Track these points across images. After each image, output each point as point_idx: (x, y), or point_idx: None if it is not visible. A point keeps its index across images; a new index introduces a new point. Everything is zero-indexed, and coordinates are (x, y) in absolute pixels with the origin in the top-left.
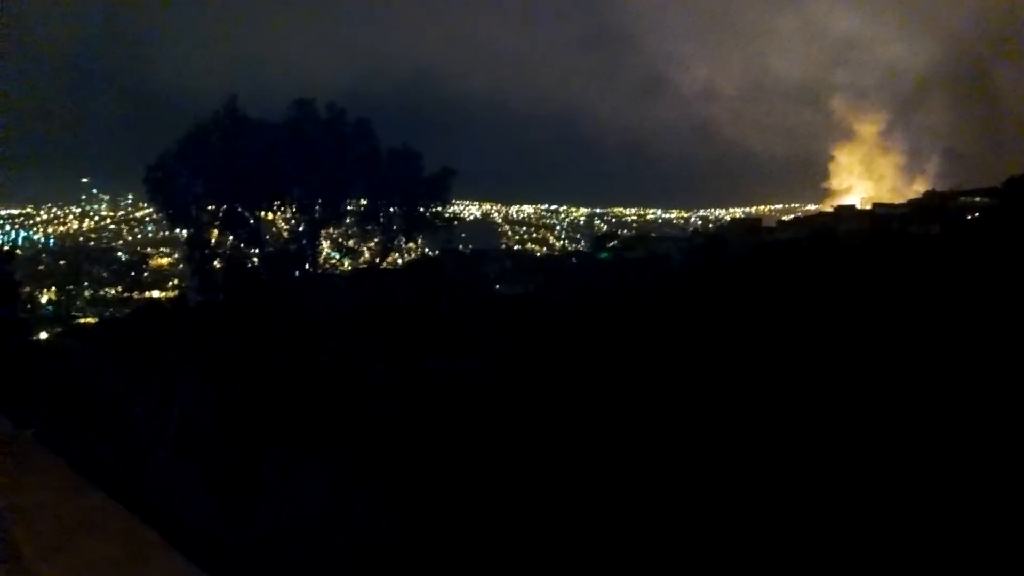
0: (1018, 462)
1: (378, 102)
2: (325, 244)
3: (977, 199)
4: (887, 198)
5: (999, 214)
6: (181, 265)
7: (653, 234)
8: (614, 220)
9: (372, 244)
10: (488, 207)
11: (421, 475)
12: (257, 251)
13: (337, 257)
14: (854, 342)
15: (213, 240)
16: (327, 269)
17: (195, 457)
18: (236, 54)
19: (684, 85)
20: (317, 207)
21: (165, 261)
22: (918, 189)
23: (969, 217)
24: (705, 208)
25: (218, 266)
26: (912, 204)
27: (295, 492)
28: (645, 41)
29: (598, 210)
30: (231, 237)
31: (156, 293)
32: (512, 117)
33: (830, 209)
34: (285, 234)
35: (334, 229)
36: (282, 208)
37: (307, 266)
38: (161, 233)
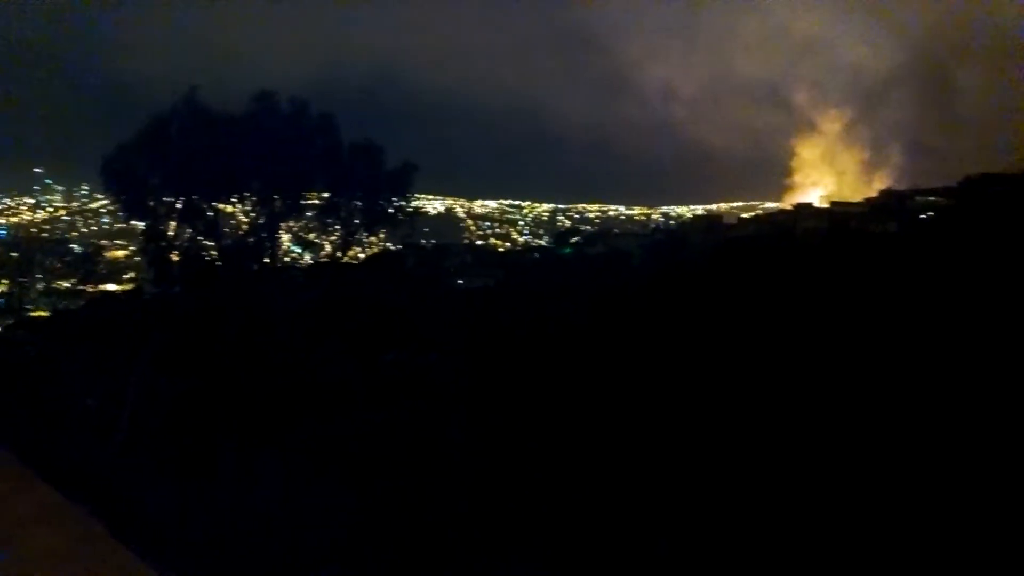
0: (973, 462)
1: (342, 95)
2: (285, 237)
3: (932, 199)
4: (847, 195)
5: (953, 214)
6: (137, 258)
7: (615, 231)
8: (577, 216)
9: (333, 238)
10: (451, 202)
11: (380, 469)
12: (215, 244)
13: (297, 251)
14: (810, 339)
15: (170, 232)
16: (287, 263)
17: (148, 451)
18: (198, 46)
19: (648, 84)
20: (277, 200)
21: (120, 253)
22: (877, 187)
23: (923, 216)
24: (667, 205)
25: (175, 258)
26: (869, 203)
27: (251, 486)
28: (610, 40)
29: (562, 206)
30: (189, 229)
31: (111, 286)
32: (477, 112)
33: (789, 207)
34: (244, 227)
35: (294, 222)
36: (242, 201)
37: (266, 259)
38: (116, 225)
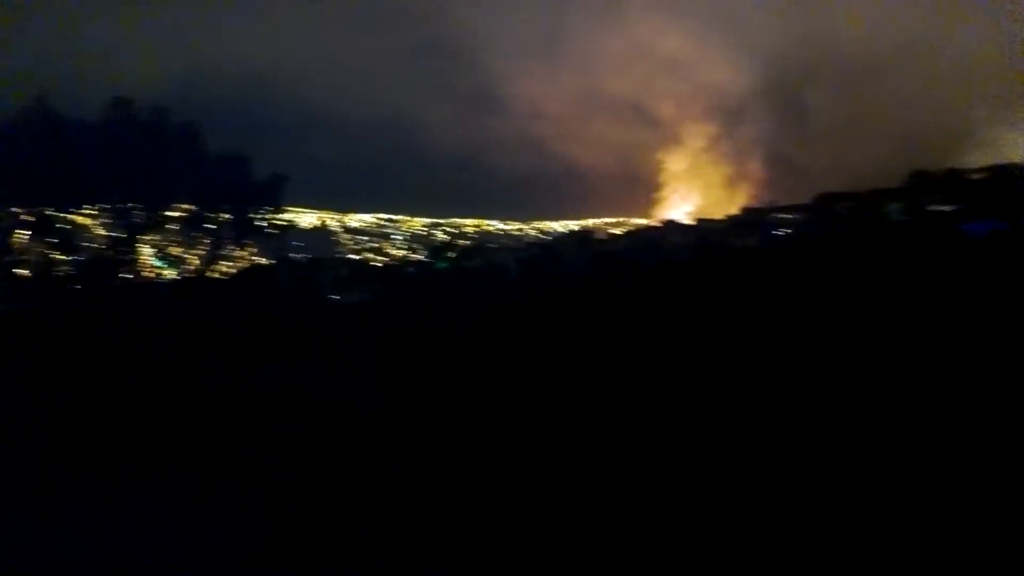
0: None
1: (206, 105)
2: (146, 251)
3: (788, 215)
4: (712, 210)
5: (807, 229)
6: None
7: (491, 245)
8: (454, 231)
9: (199, 251)
10: (324, 215)
11: (258, 488)
12: (70, 257)
13: (160, 265)
14: (679, 346)
15: (18, 245)
16: (150, 277)
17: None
18: (46, 51)
19: (516, 99)
20: (136, 212)
21: None
22: (742, 200)
23: (780, 232)
24: (541, 220)
25: (24, 274)
26: (731, 219)
27: (121, 515)
28: (477, 55)
29: (438, 220)
30: (39, 242)
31: None
32: (348, 124)
33: (657, 223)
34: (101, 240)
35: (156, 235)
36: (98, 213)
37: (126, 274)
38: None
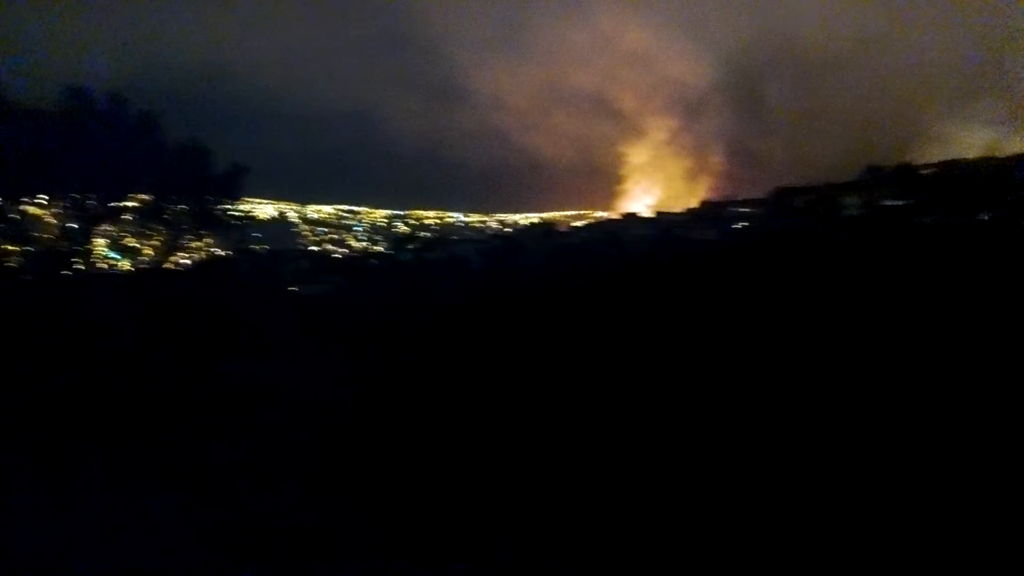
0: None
1: (164, 95)
2: (100, 242)
3: (747, 209)
4: (673, 203)
5: (766, 222)
6: None
7: (454, 237)
8: (415, 222)
9: (154, 243)
10: (284, 207)
11: (220, 484)
12: (21, 248)
13: (115, 257)
14: (642, 341)
15: None
16: (105, 269)
17: None
18: (0, 38)
19: (479, 91)
20: (92, 203)
21: None
22: (701, 193)
23: (737, 225)
24: (503, 213)
25: None
26: (690, 212)
27: (73, 515)
28: (440, 47)
29: (399, 212)
30: None
31: None
32: (309, 116)
33: (618, 216)
34: (54, 231)
35: (111, 226)
36: (51, 203)
37: (80, 266)
38: None
